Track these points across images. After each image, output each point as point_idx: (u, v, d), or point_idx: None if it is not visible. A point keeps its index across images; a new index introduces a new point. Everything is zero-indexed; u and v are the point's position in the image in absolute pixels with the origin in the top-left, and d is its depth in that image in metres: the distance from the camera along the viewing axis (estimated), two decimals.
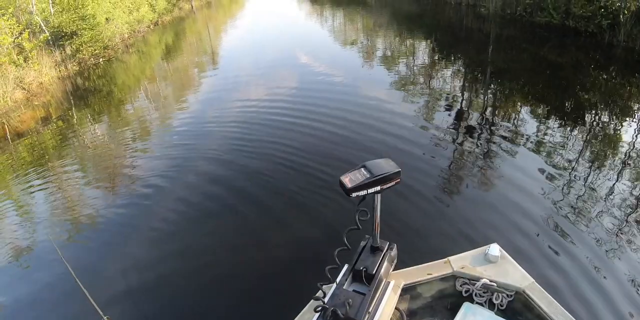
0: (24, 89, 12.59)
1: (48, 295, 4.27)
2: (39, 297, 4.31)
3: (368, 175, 1.86)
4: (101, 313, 2.61)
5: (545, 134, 6.50)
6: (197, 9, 29.29)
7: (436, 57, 12.18)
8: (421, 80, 10.10)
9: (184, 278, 4.19)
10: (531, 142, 6.20)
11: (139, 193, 6.11)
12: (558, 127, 6.73)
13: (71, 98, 12.34)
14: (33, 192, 6.76)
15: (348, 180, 1.86)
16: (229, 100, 10.00)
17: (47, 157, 8.23)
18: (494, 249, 2.50)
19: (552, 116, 7.22)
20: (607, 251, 3.96)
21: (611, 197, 4.76)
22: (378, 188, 1.90)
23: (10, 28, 12.92)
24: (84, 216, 5.77)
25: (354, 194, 1.86)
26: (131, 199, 6.02)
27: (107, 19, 17.04)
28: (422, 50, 13.23)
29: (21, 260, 5.01)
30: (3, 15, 12.90)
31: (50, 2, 15.40)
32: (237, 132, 7.77)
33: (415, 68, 11.18)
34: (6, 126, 10.35)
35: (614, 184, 5.01)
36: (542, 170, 5.37)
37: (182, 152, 7.37)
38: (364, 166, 1.93)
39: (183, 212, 5.44)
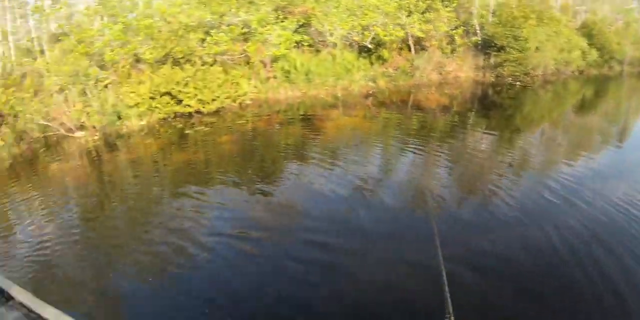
0: (440, 74, 13.76)
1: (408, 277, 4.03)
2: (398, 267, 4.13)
3: None
4: (450, 308, 2.24)
5: None
6: (628, 75, 25.75)
7: None
8: None
9: None
10: None
11: None
12: None
13: (476, 101, 12.62)
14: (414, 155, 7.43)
15: None
16: None
17: (429, 134, 8.89)
18: None
19: None
20: None
21: None
22: None
23: (449, 19, 14.11)
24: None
25: None
26: None
27: (537, 47, 16.53)
28: None
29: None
30: (446, 7, 14.12)
31: (491, 12, 16.12)
32: None
33: None
34: (411, 96, 11.65)
35: None
36: None
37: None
38: None
39: None
